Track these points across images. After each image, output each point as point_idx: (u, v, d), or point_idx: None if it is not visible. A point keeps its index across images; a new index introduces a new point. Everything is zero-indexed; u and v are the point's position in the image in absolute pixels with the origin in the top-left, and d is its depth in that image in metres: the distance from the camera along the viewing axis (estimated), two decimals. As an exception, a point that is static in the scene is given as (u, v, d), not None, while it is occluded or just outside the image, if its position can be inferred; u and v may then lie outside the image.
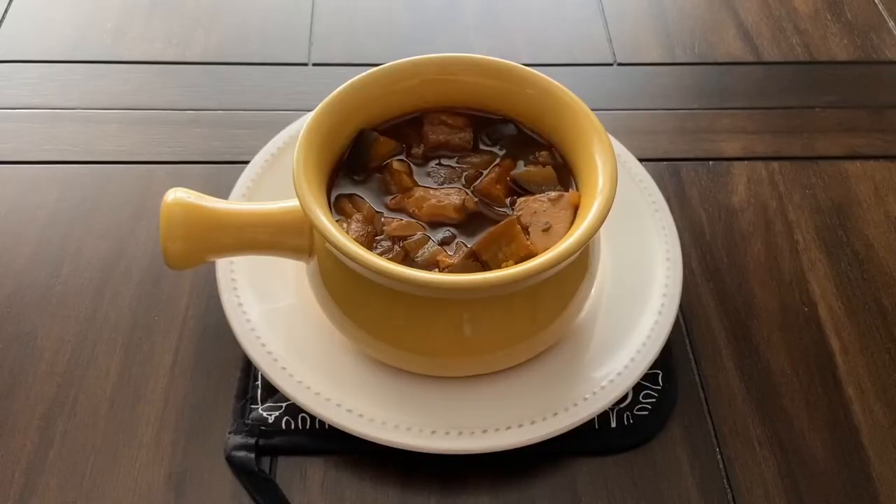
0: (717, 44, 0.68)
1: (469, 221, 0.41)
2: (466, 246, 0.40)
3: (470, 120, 0.45)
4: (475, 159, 0.44)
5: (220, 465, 0.43)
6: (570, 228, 0.40)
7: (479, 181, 0.43)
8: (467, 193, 0.42)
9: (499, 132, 0.45)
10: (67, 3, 0.68)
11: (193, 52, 0.65)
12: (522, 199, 0.42)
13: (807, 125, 0.62)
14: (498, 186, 0.42)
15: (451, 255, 0.40)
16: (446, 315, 0.40)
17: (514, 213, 0.41)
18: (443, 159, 0.44)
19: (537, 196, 0.41)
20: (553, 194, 0.41)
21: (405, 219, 0.41)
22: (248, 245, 0.42)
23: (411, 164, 0.44)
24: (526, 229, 0.40)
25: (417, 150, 0.44)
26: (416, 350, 0.42)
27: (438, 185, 0.43)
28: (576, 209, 0.41)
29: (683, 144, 0.60)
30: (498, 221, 0.40)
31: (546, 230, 0.40)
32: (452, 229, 0.41)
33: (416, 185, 0.43)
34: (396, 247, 0.40)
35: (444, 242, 0.40)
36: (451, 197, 0.42)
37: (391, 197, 0.42)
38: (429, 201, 0.41)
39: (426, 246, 0.40)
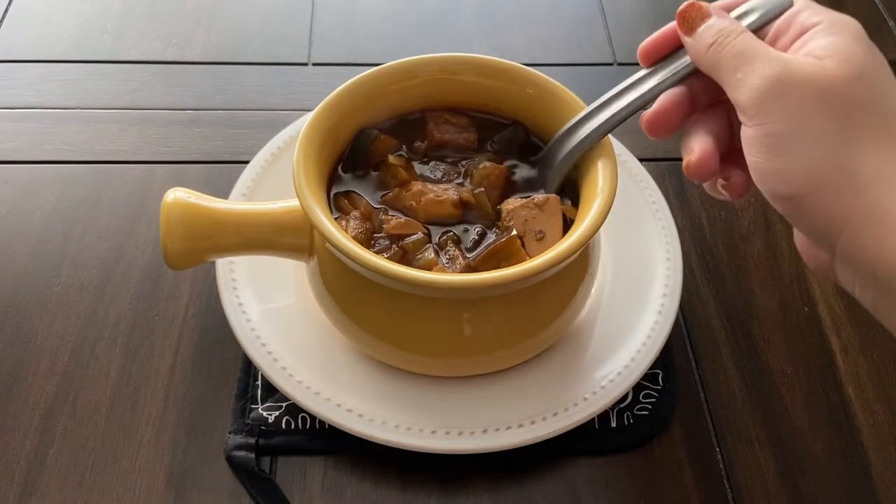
0: (717, 44, 0.68)
1: (467, 218, 0.41)
2: (465, 251, 0.40)
3: (472, 119, 0.45)
4: (474, 157, 0.44)
5: (220, 465, 0.43)
6: (561, 233, 0.40)
7: (478, 180, 0.42)
8: (466, 189, 0.42)
9: (506, 138, 0.44)
10: (67, 3, 0.68)
11: (193, 52, 0.65)
12: (509, 207, 0.41)
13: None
14: (497, 186, 0.42)
15: (448, 267, 0.39)
16: (446, 315, 0.40)
17: (505, 222, 0.41)
18: (443, 157, 0.44)
19: (524, 202, 0.41)
20: (539, 198, 0.41)
21: (404, 218, 0.41)
22: (247, 245, 0.42)
23: (410, 160, 0.44)
24: (520, 239, 0.40)
25: (420, 145, 0.44)
26: (416, 350, 0.42)
27: (437, 180, 0.43)
28: (563, 212, 0.40)
29: (683, 144, 0.60)
30: (495, 222, 0.40)
31: (540, 239, 0.40)
32: (452, 229, 0.41)
33: (415, 178, 0.43)
34: (395, 246, 0.40)
35: (442, 245, 0.40)
36: (449, 192, 0.42)
37: (389, 192, 0.42)
38: (427, 196, 0.41)
39: (425, 247, 0.40)
